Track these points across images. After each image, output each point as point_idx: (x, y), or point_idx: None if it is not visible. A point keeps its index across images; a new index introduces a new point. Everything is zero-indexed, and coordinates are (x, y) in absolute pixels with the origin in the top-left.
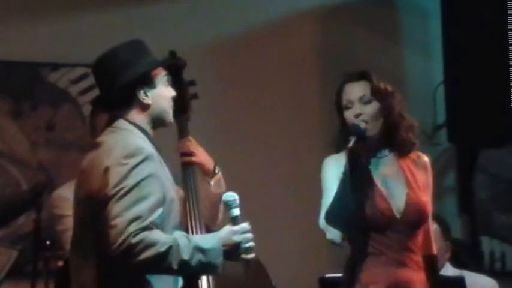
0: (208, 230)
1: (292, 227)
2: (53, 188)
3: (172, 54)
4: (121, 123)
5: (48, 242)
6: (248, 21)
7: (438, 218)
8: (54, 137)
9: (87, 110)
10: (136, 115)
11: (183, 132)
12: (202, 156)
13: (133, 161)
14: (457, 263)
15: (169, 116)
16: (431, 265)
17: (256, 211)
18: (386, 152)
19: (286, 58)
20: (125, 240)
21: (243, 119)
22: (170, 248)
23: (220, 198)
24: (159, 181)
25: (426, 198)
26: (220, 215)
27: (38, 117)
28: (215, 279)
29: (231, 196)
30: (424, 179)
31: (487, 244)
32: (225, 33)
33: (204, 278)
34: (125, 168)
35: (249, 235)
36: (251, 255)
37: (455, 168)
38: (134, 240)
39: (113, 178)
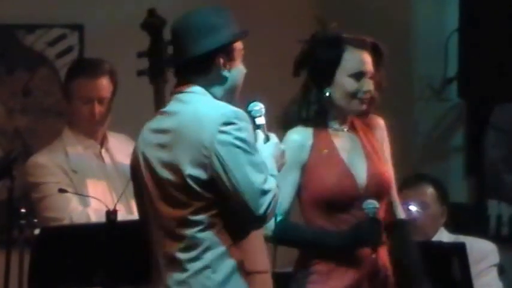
0: None
1: None
2: (29, 154)
3: (152, 12)
4: (200, 90)
5: (23, 210)
6: None
7: (435, 182)
8: (31, 102)
9: (64, 74)
10: (212, 86)
11: (159, 94)
12: None
13: (240, 124)
14: (457, 227)
15: (238, 93)
16: (401, 229)
17: None
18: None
19: (280, 10)
20: (270, 202)
21: None
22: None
23: None
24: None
25: (386, 167)
26: None
27: (14, 82)
28: None
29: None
30: (380, 145)
31: (495, 208)
32: None
33: None
34: (230, 137)
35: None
36: None
37: (464, 126)
38: (274, 199)
39: (222, 150)
